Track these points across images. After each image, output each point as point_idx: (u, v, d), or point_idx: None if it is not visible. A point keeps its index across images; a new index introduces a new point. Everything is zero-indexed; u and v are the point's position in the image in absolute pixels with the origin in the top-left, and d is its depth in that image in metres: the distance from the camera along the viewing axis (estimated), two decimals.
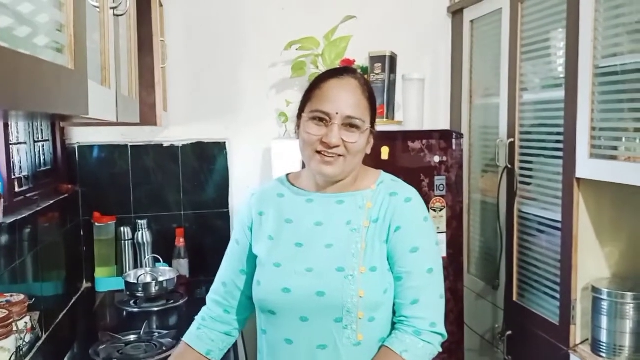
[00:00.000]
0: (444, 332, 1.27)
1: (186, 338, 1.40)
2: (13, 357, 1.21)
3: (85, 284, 2.48)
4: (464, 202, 2.67)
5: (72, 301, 2.26)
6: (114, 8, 1.19)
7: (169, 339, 1.71)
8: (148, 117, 2.17)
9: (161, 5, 2.39)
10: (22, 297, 1.36)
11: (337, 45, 2.27)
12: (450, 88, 2.76)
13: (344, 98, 1.26)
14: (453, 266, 2.29)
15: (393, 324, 1.28)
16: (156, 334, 1.76)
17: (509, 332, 2.30)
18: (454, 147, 2.26)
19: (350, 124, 1.26)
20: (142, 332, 1.75)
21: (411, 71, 2.42)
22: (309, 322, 1.24)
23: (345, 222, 1.29)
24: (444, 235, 2.24)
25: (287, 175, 1.43)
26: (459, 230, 2.31)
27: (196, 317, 1.44)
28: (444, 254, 2.24)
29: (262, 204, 1.39)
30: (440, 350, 1.27)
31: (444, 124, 2.71)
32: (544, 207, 2.10)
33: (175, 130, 2.53)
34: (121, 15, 1.24)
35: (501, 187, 2.33)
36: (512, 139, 2.25)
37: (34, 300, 1.43)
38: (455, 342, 2.31)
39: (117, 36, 1.27)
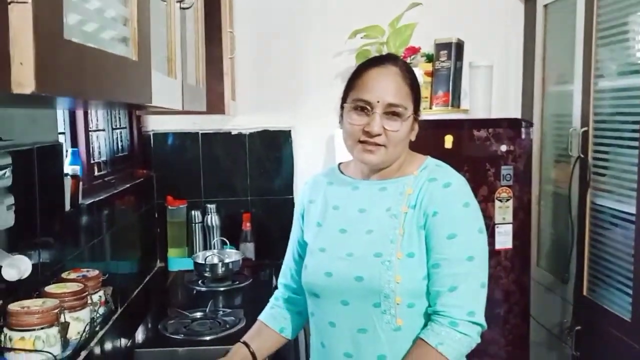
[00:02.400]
0: (483, 322, 1.21)
1: (261, 317, 1.48)
2: (87, 328, 1.31)
3: (159, 264, 2.62)
4: (534, 193, 2.59)
5: (146, 279, 2.40)
6: (180, 1, 1.25)
7: (233, 318, 1.78)
8: (216, 106, 2.25)
9: None
10: (96, 272, 1.46)
11: (401, 33, 2.25)
12: (521, 75, 2.67)
13: (384, 86, 1.25)
14: (519, 258, 2.23)
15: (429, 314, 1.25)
16: (221, 312, 1.84)
17: (578, 327, 2.23)
18: (522, 136, 2.20)
19: (392, 112, 1.25)
20: (207, 310, 1.84)
21: (479, 58, 2.37)
22: (349, 306, 1.26)
23: (385, 208, 1.28)
24: (510, 226, 2.19)
25: (340, 164, 1.46)
26: (526, 221, 2.25)
27: (270, 299, 1.51)
28: (509, 245, 2.19)
29: (312, 192, 1.43)
30: (479, 341, 1.22)
31: (514, 112, 2.63)
32: (618, 200, 2.01)
33: (243, 118, 2.61)
34: (187, 8, 1.30)
35: (573, 178, 2.24)
36: (585, 128, 2.16)
37: (107, 275, 1.54)
38: (519, 335, 2.27)
39: (184, 28, 1.33)
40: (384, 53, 2.35)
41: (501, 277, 2.19)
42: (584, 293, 2.21)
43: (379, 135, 1.25)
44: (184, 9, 1.30)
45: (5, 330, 1.17)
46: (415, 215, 1.25)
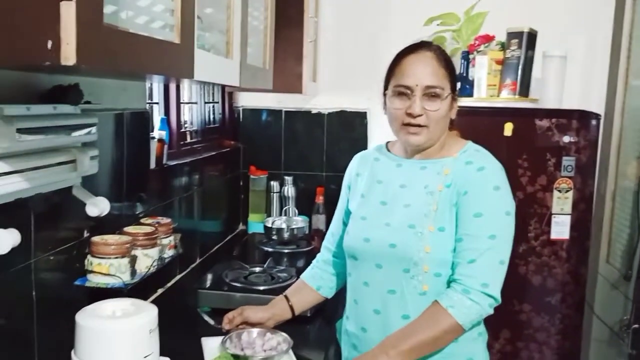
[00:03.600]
0: (496, 295, 1.31)
1: (303, 275, 1.69)
2: (155, 263, 1.59)
3: (241, 226, 2.92)
4: (609, 188, 2.54)
5: (227, 238, 2.70)
6: None
7: (285, 274, 2.00)
8: (295, 86, 2.48)
9: None
10: (168, 220, 1.74)
11: (473, 21, 2.31)
12: (600, 67, 2.60)
13: (421, 70, 1.37)
14: (576, 250, 2.23)
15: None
16: (276, 269, 2.08)
17: (636, 326, 2.19)
18: (588, 128, 2.18)
19: (430, 94, 1.37)
20: (266, 266, 2.08)
21: (555, 48, 2.36)
22: (382, 269, 1.41)
23: (424, 185, 1.41)
24: (568, 217, 2.20)
25: (387, 142, 1.60)
26: (586, 213, 2.24)
27: (313, 260, 1.71)
28: (566, 236, 2.20)
29: (360, 167, 1.59)
30: (491, 312, 1.31)
31: (588, 104, 2.56)
32: None
33: (322, 99, 2.81)
34: None
35: None
36: None
37: (177, 224, 1.82)
38: (572, 325, 2.27)
39: (245, 15, 1.54)
40: (457, 40, 2.43)
41: (555, 267, 2.20)
42: None
43: (421, 115, 1.37)
44: None
45: (89, 256, 1.47)
46: (449, 193, 1.37)
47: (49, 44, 0.75)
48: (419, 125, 1.38)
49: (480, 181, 1.36)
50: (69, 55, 0.76)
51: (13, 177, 1.12)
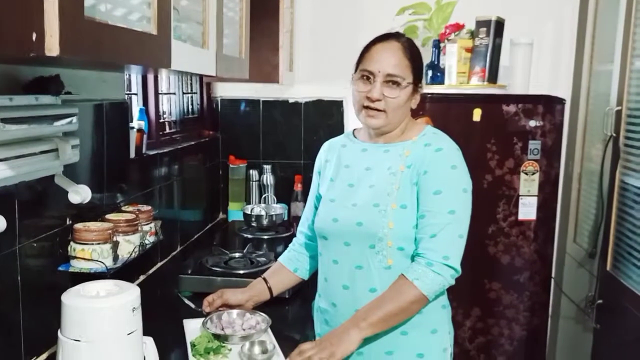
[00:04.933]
0: (456, 266, 1.40)
1: (280, 258, 1.76)
2: (136, 249, 1.64)
3: (222, 215, 2.98)
4: (576, 171, 2.65)
5: (208, 226, 2.76)
6: None
7: (264, 259, 2.07)
8: (272, 75, 2.53)
9: None
10: (149, 208, 1.79)
11: (443, 11, 2.38)
12: (566, 53, 2.70)
13: (385, 58, 1.45)
14: (543, 230, 2.33)
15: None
16: (255, 254, 2.14)
17: (600, 302, 2.30)
18: (554, 112, 2.27)
19: (391, 81, 1.45)
20: (245, 251, 2.15)
21: (522, 36, 2.45)
22: (350, 246, 1.49)
23: (387, 167, 1.49)
24: (535, 198, 2.29)
25: (354, 129, 1.68)
26: (552, 195, 2.34)
27: (290, 244, 1.78)
28: (533, 217, 2.29)
29: (328, 153, 1.66)
30: (452, 282, 1.40)
31: (554, 90, 2.66)
32: None
33: (299, 88, 2.87)
34: None
35: (606, 156, 2.29)
36: (619, 107, 2.20)
37: (157, 212, 1.87)
38: (539, 302, 2.38)
39: (220, 7, 1.59)
40: (428, 29, 2.50)
41: (522, 246, 2.31)
42: (608, 269, 2.27)
43: (379, 100, 1.46)
44: None
45: (72, 243, 1.51)
46: (410, 173, 1.46)
47: (34, 36, 0.80)
48: (377, 109, 1.46)
49: (438, 161, 1.44)
50: (52, 46, 0.81)
51: None
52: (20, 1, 0.79)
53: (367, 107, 1.47)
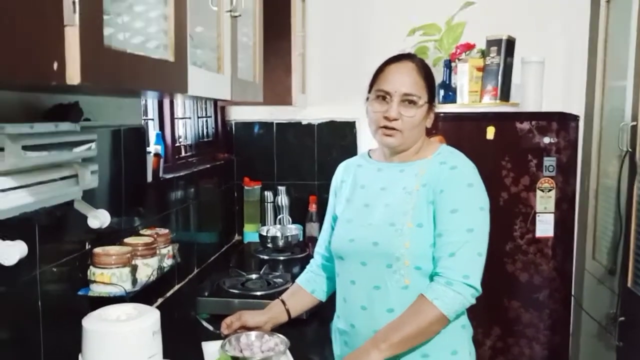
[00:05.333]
0: (477, 285, 1.38)
1: (298, 280, 1.76)
2: (154, 272, 1.65)
3: (237, 237, 2.99)
4: (592, 187, 2.63)
5: (224, 248, 2.77)
6: (229, 11, 1.54)
7: (281, 280, 2.07)
8: (285, 98, 2.56)
9: (303, 1, 2.75)
10: (166, 231, 1.81)
11: (454, 31, 2.40)
12: (579, 70, 2.71)
13: (401, 78, 1.47)
14: (561, 247, 2.31)
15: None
16: (272, 275, 2.14)
17: (622, 319, 2.27)
18: (568, 129, 2.27)
19: (407, 100, 1.46)
20: (262, 272, 2.15)
21: (533, 54, 2.46)
22: (367, 266, 1.48)
23: (402, 187, 1.49)
24: (552, 215, 2.28)
25: (369, 150, 1.68)
26: (569, 212, 2.32)
27: (307, 266, 1.78)
28: (550, 234, 2.27)
29: (344, 174, 1.67)
30: (473, 302, 1.38)
31: (567, 107, 2.65)
32: None
33: (312, 110, 2.89)
34: (237, 16, 1.59)
35: (622, 172, 2.28)
36: (635, 123, 2.19)
37: (175, 235, 1.88)
38: (560, 320, 2.35)
39: (235, 32, 1.62)
40: (439, 49, 2.52)
41: (541, 264, 2.28)
42: (629, 285, 2.24)
43: (396, 120, 1.46)
44: (234, 17, 1.58)
45: (91, 267, 1.53)
46: (425, 192, 1.45)
47: (55, 66, 0.82)
48: (394, 129, 1.47)
49: (454, 179, 1.44)
50: (73, 75, 0.83)
51: (19, 192, 1.18)
52: (42, 31, 0.81)
53: (383, 127, 1.48)
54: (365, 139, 2.86)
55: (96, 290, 1.51)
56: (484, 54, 2.44)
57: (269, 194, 2.89)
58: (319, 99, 2.88)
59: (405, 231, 1.43)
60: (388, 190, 1.52)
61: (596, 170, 2.61)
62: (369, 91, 1.54)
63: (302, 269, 1.79)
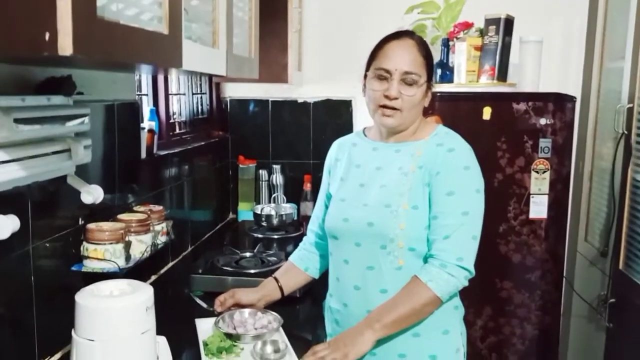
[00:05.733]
0: (470, 268, 1.38)
1: (291, 257, 1.76)
2: (148, 249, 1.65)
3: (231, 215, 2.98)
4: (587, 169, 2.63)
5: (218, 226, 2.76)
6: None
7: (275, 258, 2.08)
8: (280, 75, 2.53)
9: None
10: (160, 208, 1.80)
11: (452, 9, 2.37)
12: (577, 51, 2.69)
13: (401, 56, 1.44)
14: (554, 229, 2.32)
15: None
16: (266, 253, 2.15)
17: (612, 300, 2.29)
18: (564, 110, 2.26)
19: (408, 79, 1.43)
20: (255, 251, 2.15)
21: (531, 33, 2.44)
22: (361, 246, 1.48)
23: (398, 167, 1.48)
24: (546, 197, 2.28)
25: (364, 128, 1.67)
26: (564, 193, 2.32)
27: (300, 243, 1.78)
28: (544, 215, 2.28)
29: (339, 152, 1.66)
30: (466, 284, 1.39)
31: (566, 87, 2.64)
32: None
33: (308, 88, 2.87)
34: None
35: (617, 154, 2.28)
36: (631, 105, 2.18)
37: (168, 212, 1.88)
38: (551, 301, 2.36)
39: (230, 6, 1.59)
40: (437, 27, 2.50)
41: (534, 245, 2.29)
42: (620, 267, 2.26)
43: (397, 99, 1.44)
44: None
45: (84, 243, 1.52)
46: (421, 174, 1.44)
47: (47, 36, 0.80)
48: (394, 108, 1.45)
49: (451, 162, 1.43)
50: (65, 46, 0.81)
51: (11, 165, 1.17)
52: (33, 1, 0.80)
53: (383, 106, 1.46)
54: (361, 118, 2.85)
55: (89, 266, 1.50)
56: (481, 33, 2.42)
57: (263, 173, 2.88)
58: (315, 76, 2.86)
59: (401, 212, 1.43)
60: (383, 170, 1.51)
61: (591, 152, 2.61)
62: (367, 69, 1.52)
63: (296, 247, 1.79)
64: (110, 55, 0.94)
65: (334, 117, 2.89)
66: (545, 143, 2.23)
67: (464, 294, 1.50)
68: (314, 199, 2.88)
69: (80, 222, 1.54)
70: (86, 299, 1.18)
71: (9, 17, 0.81)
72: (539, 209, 2.25)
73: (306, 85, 2.86)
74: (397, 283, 1.43)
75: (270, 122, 2.94)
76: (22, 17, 0.81)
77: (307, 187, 2.86)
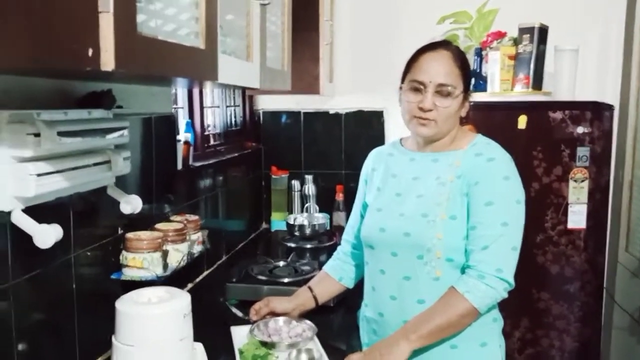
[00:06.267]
0: (510, 279, 1.36)
1: (325, 267, 1.77)
2: (185, 258, 1.68)
3: (264, 225, 3.01)
4: (626, 178, 2.57)
5: (251, 236, 2.80)
6: None
7: (308, 267, 2.08)
8: (313, 87, 2.56)
9: None
10: (196, 217, 1.84)
11: (485, 19, 2.36)
12: (615, 58, 2.64)
13: (436, 68, 1.43)
14: (593, 239, 2.27)
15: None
16: (299, 262, 2.16)
17: None
18: (602, 119, 2.22)
19: (442, 91, 1.43)
20: (289, 260, 2.17)
21: (568, 42, 2.40)
22: (397, 256, 1.47)
23: (435, 177, 1.47)
24: (585, 206, 2.23)
25: (401, 138, 1.67)
26: (603, 202, 2.28)
27: (334, 253, 1.79)
28: (583, 225, 2.23)
29: (375, 162, 1.66)
30: (505, 296, 1.37)
31: (603, 96, 2.59)
32: None
33: (340, 99, 2.89)
34: (266, 4, 1.59)
35: None
36: None
37: (204, 222, 1.91)
38: (591, 312, 2.31)
39: (264, 21, 1.62)
40: (470, 37, 2.49)
41: (572, 256, 2.24)
42: None
43: (431, 110, 1.44)
44: (263, 5, 1.59)
45: (123, 252, 1.56)
46: (460, 184, 1.43)
47: (90, 52, 0.83)
48: (428, 119, 1.45)
49: (491, 171, 1.41)
50: (107, 61, 0.85)
51: (55, 176, 1.21)
52: (77, 18, 0.83)
53: (418, 117, 1.46)
54: (393, 129, 2.85)
55: (128, 274, 1.54)
56: (516, 42, 2.40)
57: (296, 183, 2.90)
58: (347, 88, 2.87)
59: (438, 222, 1.41)
60: (420, 180, 1.50)
61: (631, 161, 2.55)
62: (403, 80, 1.52)
63: (329, 257, 1.80)
64: (150, 70, 0.97)
65: (366, 128, 2.90)
66: (583, 152, 2.19)
67: (501, 305, 1.48)
68: (347, 209, 2.90)
69: (120, 231, 1.58)
70: (126, 305, 1.22)
71: (53, 33, 0.84)
72: (577, 218, 2.20)
73: (338, 96, 2.88)
74: (434, 294, 1.41)
75: (302, 133, 2.97)
76: (66, 33, 0.84)
77: (340, 197, 2.87)
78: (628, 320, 2.50)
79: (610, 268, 2.61)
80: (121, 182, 1.52)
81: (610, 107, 2.24)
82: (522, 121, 2.20)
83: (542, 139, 2.21)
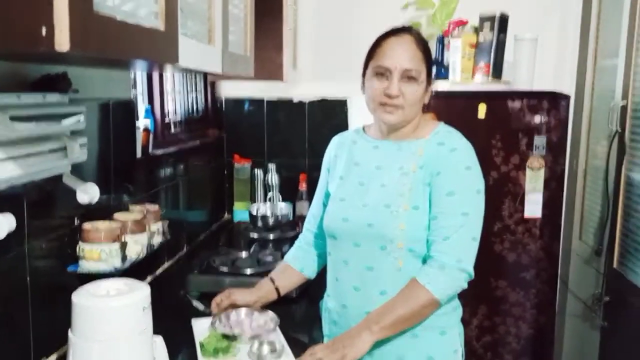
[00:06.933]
0: (470, 270, 1.38)
1: (286, 258, 1.75)
2: (144, 249, 1.64)
3: (227, 215, 2.97)
4: (581, 167, 2.64)
5: (213, 227, 2.75)
6: None
7: (270, 258, 2.07)
8: (276, 74, 2.52)
9: None
10: (156, 207, 1.79)
11: (447, 6, 2.38)
12: (571, 48, 2.70)
13: (400, 53, 1.42)
14: (548, 227, 2.32)
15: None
16: (262, 253, 2.14)
17: (607, 299, 2.29)
18: (559, 108, 2.27)
19: (408, 76, 1.42)
20: (251, 251, 2.15)
21: (526, 31, 2.44)
22: (360, 247, 1.47)
23: (399, 166, 1.47)
24: (541, 195, 2.28)
25: (364, 126, 1.66)
26: (558, 191, 2.33)
27: (295, 242, 1.77)
28: (539, 214, 2.29)
29: (338, 149, 1.65)
30: (465, 286, 1.39)
31: (560, 85, 2.65)
32: None
33: (304, 87, 2.86)
34: None
35: (611, 152, 2.29)
36: (624, 102, 2.19)
37: (164, 212, 1.87)
38: (546, 300, 2.37)
39: (226, 4, 1.58)
40: (432, 24, 2.50)
41: (528, 244, 2.30)
42: (614, 266, 2.27)
43: (397, 97, 1.42)
44: None
45: (80, 243, 1.51)
46: (422, 174, 1.43)
47: (43, 31, 0.79)
48: (395, 106, 1.44)
49: (452, 162, 1.42)
50: (62, 41, 0.80)
51: (7, 163, 1.16)
52: None
53: (384, 104, 1.44)
54: (357, 118, 2.85)
55: (85, 267, 1.49)
56: (477, 30, 2.42)
57: (259, 172, 2.86)
58: (311, 75, 2.85)
59: (401, 213, 1.41)
60: (384, 170, 1.50)
61: (585, 150, 2.62)
62: (366, 67, 1.51)
63: (291, 245, 1.77)
64: (106, 52, 0.93)
65: (330, 117, 2.88)
66: (540, 141, 2.24)
67: (460, 293, 1.49)
68: (310, 198, 2.87)
69: (76, 222, 1.52)
70: (83, 298, 1.17)
71: (3, 10, 0.80)
72: (533, 207, 2.25)
73: (301, 84, 2.85)
74: (396, 284, 1.42)
75: (265, 122, 2.93)
76: (18, 12, 0.80)
77: (303, 186, 2.85)
78: (581, 307, 2.58)
79: (565, 256, 2.69)
80: (78, 170, 1.47)
81: (566, 97, 2.29)
82: (481, 110, 2.23)
83: (501, 128, 2.24)
